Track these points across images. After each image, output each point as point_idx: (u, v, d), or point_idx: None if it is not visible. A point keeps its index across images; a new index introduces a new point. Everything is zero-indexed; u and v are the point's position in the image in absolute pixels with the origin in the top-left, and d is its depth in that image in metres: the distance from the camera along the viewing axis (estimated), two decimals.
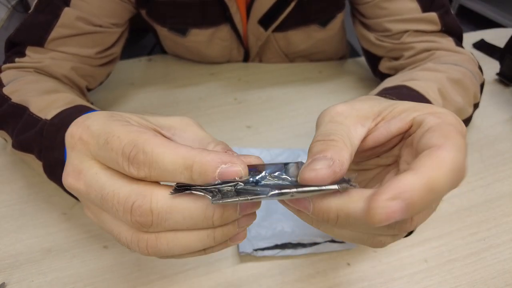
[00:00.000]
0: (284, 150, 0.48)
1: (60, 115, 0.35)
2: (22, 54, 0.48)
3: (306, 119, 0.56)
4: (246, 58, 0.69)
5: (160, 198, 0.20)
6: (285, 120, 0.56)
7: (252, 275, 0.36)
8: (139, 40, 1.15)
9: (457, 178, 0.19)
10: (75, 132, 0.22)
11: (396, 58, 0.54)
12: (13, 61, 0.47)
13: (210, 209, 0.21)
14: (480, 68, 0.49)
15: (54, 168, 0.34)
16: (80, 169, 0.22)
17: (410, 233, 0.25)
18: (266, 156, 0.47)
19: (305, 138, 0.52)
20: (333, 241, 0.38)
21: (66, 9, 0.48)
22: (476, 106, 0.48)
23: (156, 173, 0.20)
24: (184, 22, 0.61)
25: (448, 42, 0.51)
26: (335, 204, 0.20)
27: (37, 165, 0.36)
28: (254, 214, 0.23)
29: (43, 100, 0.39)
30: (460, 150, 0.19)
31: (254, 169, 0.22)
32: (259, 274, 0.36)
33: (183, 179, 0.20)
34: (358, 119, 0.24)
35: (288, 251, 0.37)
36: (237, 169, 0.19)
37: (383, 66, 0.56)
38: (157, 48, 0.87)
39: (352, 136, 0.23)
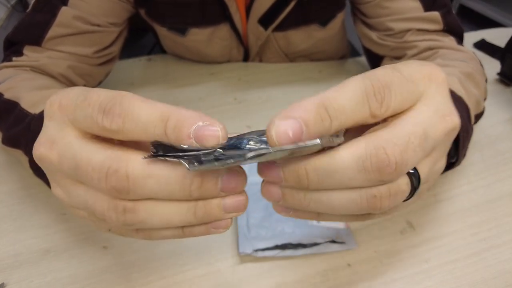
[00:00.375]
0: None
1: None
2: (20, 53, 0.48)
3: None
4: (246, 58, 0.69)
5: (137, 164, 0.19)
6: None
7: (252, 276, 0.36)
8: (138, 40, 1.15)
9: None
10: (54, 99, 0.22)
11: (398, 57, 0.54)
12: (10, 60, 0.47)
13: (187, 178, 0.20)
14: (482, 66, 0.49)
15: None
16: (54, 139, 0.21)
17: (411, 195, 0.23)
18: None
19: None
20: (333, 241, 0.38)
21: (63, 8, 0.48)
22: (484, 101, 0.48)
23: (130, 126, 0.19)
24: (184, 22, 0.60)
25: (450, 41, 0.51)
26: (301, 160, 0.20)
27: (25, 161, 0.36)
28: (242, 200, 0.22)
29: (35, 96, 0.39)
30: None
31: (234, 138, 0.21)
32: (259, 275, 0.36)
33: (156, 135, 0.19)
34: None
35: (288, 252, 0.37)
36: (215, 129, 0.18)
37: (385, 65, 0.56)
38: (156, 48, 0.87)
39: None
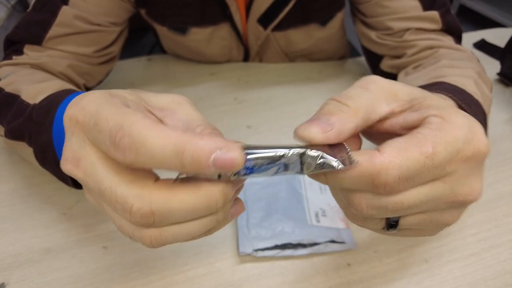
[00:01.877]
0: None
1: (48, 98, 0.35)
2: (20, 52, 0.48)
3: (306, 119, 0.56)
4: (246, 57, 0.69)
5: (161, 198, 0.19)
6: (285, 120, 0.56)
7: (252, 276, 0.36)
8: (138, 40, 1.15)
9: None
10: (72, 114, 0.21)
11: (398, 56, 0.54)
12: (10, 59, 0.47)
13: (213, 198, 0.20)
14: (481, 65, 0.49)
15: (45, 152, 0.33)
16: (79, 157, 0.21)
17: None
18: None
19: None
20: (333, 241, 0.38)
21: (64, 8, 0.48)
22: None
23: (143, 159, 0.18)
24: (184, 21, 0.61)
25: (449, 40, 0.51)
26: None
27: (30, 153, 0.36)
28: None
29: (35, 88, 0.39)
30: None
31: (251, 151, 0.20)
32: (259, 275, 0.36)
33: (173, 167, 0.18)
34: (387, 96, 0.23)
35: (288, 252, 0.37)
36: (234, 155, 0.18)
37: (385, 64, 0.56)
38: (156, 48, 0.87)
39: (371, 109, 0.22)
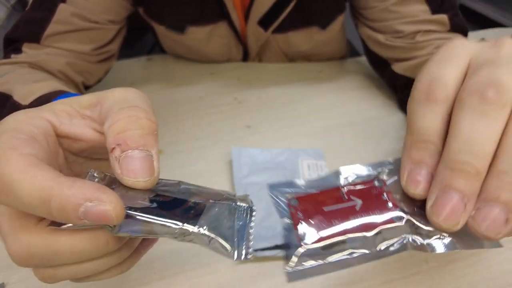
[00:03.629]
0: (284, 150, 0.48)
1: (38, 100, 0.35)
2: (19, 51, 0.48)
3: (306, 119, 0.56)
4: (246, 57, 0.69)
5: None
6: (285, 120, 0.56)
7: (252, 276, 0.36)
8: (138, 40, 1.15)
9: None
10: None
11: (407, 59, 0.54)
12: (9, 58, 0.48)
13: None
14: None
15: None
16: None
17: None
18: (266, 156, 0.47)
19: (305, 138, 0.52)
20: None
21: (61, 5, 0.48)
22: None
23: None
24: (182, 20, 0.60)
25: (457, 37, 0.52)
26: None
27: None
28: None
29: (27, 88, 0.39)
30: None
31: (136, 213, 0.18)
32: (259, 275, 0.36)
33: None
34: None
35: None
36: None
37: (399, 67, 0.55)
38: (156, 48, 0.87)
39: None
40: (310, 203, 0.21)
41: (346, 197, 0.21)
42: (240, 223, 0.19)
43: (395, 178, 0.21)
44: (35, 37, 0.48)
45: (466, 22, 0.54)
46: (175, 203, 0.18)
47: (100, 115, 0.20)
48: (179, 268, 0.36)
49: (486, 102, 0.17)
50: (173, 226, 0.17)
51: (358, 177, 0.22)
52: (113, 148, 0.18)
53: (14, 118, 0.19)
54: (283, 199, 0.22)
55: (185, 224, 0.17)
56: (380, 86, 0.63)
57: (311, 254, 0.20)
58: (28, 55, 0.48)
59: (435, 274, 0.36)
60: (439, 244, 0.19)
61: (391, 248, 0.19)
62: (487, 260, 0.37)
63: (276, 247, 0.37)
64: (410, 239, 0.20)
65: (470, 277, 0.36)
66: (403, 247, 0.19)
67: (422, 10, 0.52)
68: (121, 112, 0.19)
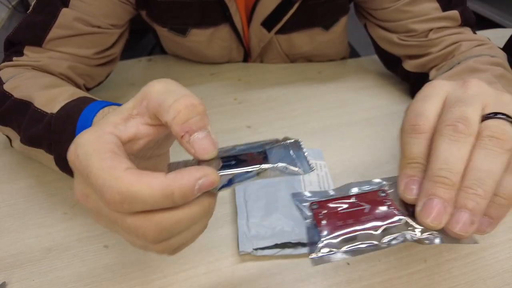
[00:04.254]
0: None
1: (65, 108, 0.36)
2: (20, 54, 0.48)
3: (306, 119, 0.56)
4: (246, 58, 0.69)
5: (125, 183, 0.20)
6: (285, 120, 0.56)
7: (252, 275, 0.36)
8: (139, 41, 1.15)
9: None
10: (70, 158, 0.22)
11: (421, 55, 0.55)
12: (11, 60, 0.48)
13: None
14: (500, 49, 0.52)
15: (67, 161, 0.34)
16: (87, 193, 0.22)
17: None
18: None
19: (304, 138, 0.52)
20: None
21: (64, 10, 0.48)
22: None
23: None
24: (184, 22, 0.61)
25: (468, 31, 0.54)
26: None
27: (48, 158, 0.37)
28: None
29: (46, 95, 0.40)
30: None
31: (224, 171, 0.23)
32: (259, 274, 0.36)
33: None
34: None
35: (288, 251, 0.37)
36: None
37: (410, 64, 0.57)
38: (157, 49, 0.87)
39: None
40: (328, 207, 0.27)
41: (357, 203, 0.27)
42: (295, 152, 0.25)
43: (394, 189, 0.27)
44: (37, 41, 0.48)
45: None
46: (242, 157, 0.24)
47: (149, 108, 0.24)
48: (179, 268, 0.37)
49: (457, 132, 0.23)
50: (255, 169, 0.23)
51: (365, 188, 0.28)
52: (183, 136, 0.22)
53: (86, 140, 0.22)
54: (305, 204, 0.29)
55: (262, 165, 0.23)
56: (380, 86, 0.63)
57: (330, 245, 0.25)
58: (30, 58, 0.48)
59: (433, 273, 0.36)
60: (430, 239, 0.25)
61: (394, 242, 0.25)
62: (485, 259, 0.37)
63: (276, 246, 0.37)
64: (408, 235, 0.25)
65: (467, 276, 0.36)
66: (404, 240, 0.25)
67: (433, 8, 0.53)
68: (178, 104, 0.23)
